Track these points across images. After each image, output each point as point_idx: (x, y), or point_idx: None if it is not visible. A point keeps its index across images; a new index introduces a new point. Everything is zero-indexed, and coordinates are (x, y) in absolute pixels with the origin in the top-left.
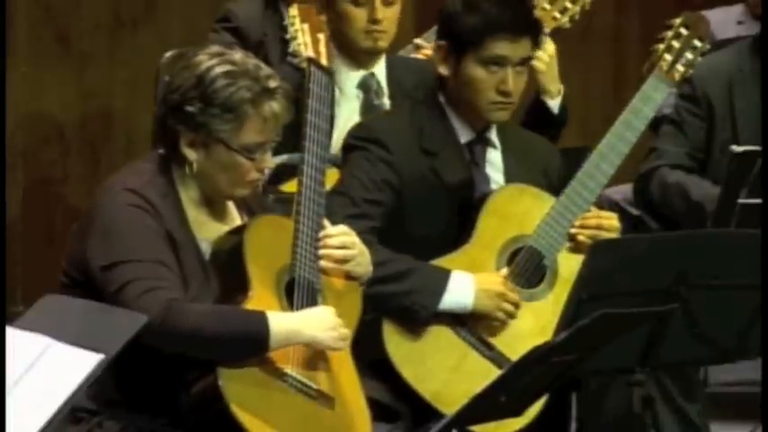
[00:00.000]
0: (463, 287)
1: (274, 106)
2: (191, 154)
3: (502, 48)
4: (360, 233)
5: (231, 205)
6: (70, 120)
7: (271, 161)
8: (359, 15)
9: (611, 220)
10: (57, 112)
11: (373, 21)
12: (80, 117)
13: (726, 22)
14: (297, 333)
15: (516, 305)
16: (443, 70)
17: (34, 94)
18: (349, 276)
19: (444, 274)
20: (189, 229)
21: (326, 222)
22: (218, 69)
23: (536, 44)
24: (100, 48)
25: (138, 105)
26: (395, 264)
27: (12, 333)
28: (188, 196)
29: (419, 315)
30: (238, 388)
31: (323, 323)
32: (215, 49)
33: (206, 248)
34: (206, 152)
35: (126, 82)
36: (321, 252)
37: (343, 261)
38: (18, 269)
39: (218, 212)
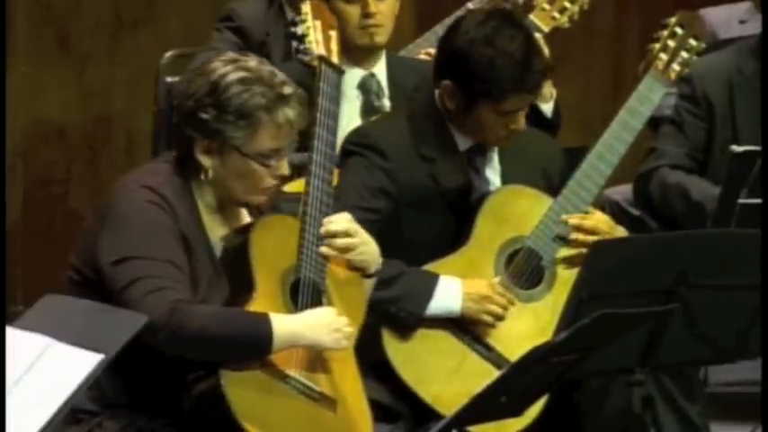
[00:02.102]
0: (450, 292)
1: (288, 113)
2: (206, 161)
3: (520, 103)
4: None
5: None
6: (70, 120)
7: (286, 168)
8: (352, 12)
9: (604, 224)
10: (57, 113)
11: (366, 15)
12: (80, 117)
13: (729, 20)
14: (300, 336)
15: (505, 307)
16: (450, 105)
17: (34, 94)
18: (353, 267)
19: (432, 280)
20: (203, 230)
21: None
22: (233, 76)
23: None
24: (100, 48)
25: (138, 105)
26: (384, 269)
27: (12, 333)
28: (202, 199)
29: (406, 321)
30: (240, 389)
31: (326, 326)
32: (230, 55)
33: (219, 250)
34: (221, 159)
35: (126, 82)
36: (324, 241)
37: (346, 250)
38: (18, 270)
39: (231, 215)
